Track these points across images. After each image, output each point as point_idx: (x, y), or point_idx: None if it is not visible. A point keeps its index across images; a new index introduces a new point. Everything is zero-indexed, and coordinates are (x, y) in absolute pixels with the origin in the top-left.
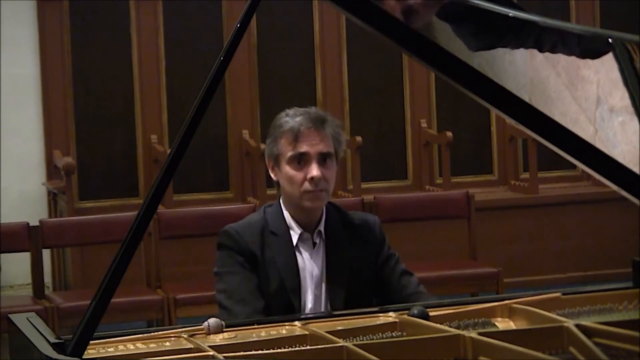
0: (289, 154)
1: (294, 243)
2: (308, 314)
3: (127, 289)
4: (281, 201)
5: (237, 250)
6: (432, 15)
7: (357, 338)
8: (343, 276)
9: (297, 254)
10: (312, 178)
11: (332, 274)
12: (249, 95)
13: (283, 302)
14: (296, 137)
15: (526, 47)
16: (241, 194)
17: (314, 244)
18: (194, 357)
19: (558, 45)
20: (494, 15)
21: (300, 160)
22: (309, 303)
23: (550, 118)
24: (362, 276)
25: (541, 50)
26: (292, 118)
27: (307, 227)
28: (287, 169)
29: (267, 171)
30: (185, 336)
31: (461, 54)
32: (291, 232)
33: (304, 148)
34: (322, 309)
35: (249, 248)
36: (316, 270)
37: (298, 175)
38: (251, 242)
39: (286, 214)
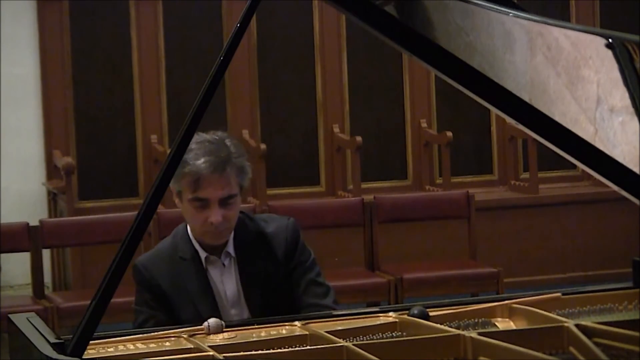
0: (189, 196)
1: (204, 266)
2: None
3: (128, 289)
4: (187, 225)
5: (146, 287)
6: None
7: (357, 338)
8: (257, 289)
9: (209, 276)
10: (211, 223)
11: (247, 290)
12: (249, 95)
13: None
14: (197, 181)
15: None
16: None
17: (223, 264)
18: (194, 357)
19: None
20: None
21: (201, 204)
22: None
23: (550, 118)
24: (275, 284)
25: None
26: (194, 160)
27: (214, 251)
28: (189, 207)
29: (267, 171)
30: (185, 336)
31: (461, 54)
32: (200, 254)
33: (204, 194)
34: None
35: (157, 283)
36: (230, 290)
37: (198, 215)
38: (159, 274)
39: (192, 237)
